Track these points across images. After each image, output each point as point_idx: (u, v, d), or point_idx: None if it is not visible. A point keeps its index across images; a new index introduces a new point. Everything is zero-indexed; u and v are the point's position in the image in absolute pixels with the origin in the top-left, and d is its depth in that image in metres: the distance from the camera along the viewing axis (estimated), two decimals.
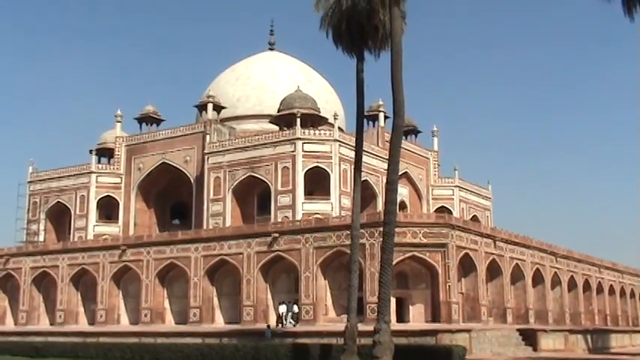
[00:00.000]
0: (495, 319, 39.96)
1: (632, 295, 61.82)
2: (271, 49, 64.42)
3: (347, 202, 45.58)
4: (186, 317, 41.62)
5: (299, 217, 45.00)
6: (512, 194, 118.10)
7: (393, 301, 31.79)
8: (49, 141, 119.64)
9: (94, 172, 55.72)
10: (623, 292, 59.40)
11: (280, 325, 36.94)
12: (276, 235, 38.99)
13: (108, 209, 55.75)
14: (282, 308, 37.84)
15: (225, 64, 63.72)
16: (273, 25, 65.87)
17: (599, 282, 54.44)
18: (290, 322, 37.12)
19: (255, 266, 39.52)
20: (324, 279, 38.00)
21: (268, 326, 33.78)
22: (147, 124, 58.43)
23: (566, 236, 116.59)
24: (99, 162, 57.57)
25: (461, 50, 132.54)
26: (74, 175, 56.41)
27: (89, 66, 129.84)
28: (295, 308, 37.68)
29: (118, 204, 55.42)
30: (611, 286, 56.92)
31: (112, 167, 56.71)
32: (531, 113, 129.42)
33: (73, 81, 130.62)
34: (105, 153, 58.76)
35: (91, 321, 45.81)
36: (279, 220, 45.31)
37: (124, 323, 44.54)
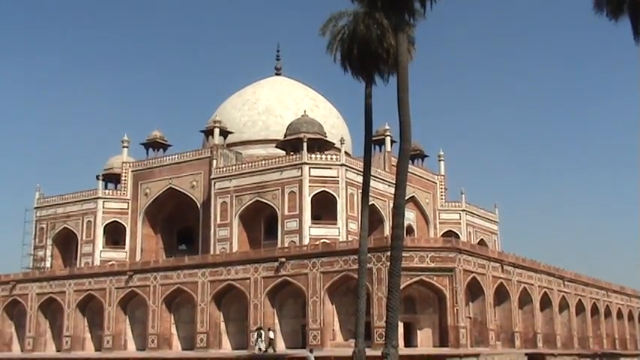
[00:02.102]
0: (503, 344, 39.72)
1: None
2: (278, 74, 64.93)
3: (354, 226, 45.60)
4: (193, 343, 41.47)
5: (306, 241, 45.00)
6: (519, 218, 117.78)
7: (400, 325, 31.70)
8: (56, 166, 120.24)
9: (101, 198, 55.88)
10: (631, 316, 59.00)
11: (259, 350, 36.92)
12: (283, 260, 39.00)
13: (115, 235, 55.84)
14: (271, 334, 37.72)
15: (232, 89, 64.23)
16: (279, 50, 66.53)
17: (607, 305, 54.13)
18: (260, 348, 37.03)
19: (262, 291, 39.45)
20: (332, 304, 37.92)
21: (311, 350, 32.55)
22: (153, 150, 58.73)
23: (573, 260, 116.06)
24: (106, 187, 57.74)
25: (468, 74, 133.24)
26: (81, 200, 56.58)
27: (96, 92, 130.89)
28: (271, 334, 37.77)
29: (125, 229, 55.51)
30: (619, 309, 56.56)
31: (118, 193, 56.89)
32: (538, 137, 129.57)
33: (79, 107, 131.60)
34: (112, 178, 58.97)
35: (98, 347, 45.65)
36: (286, 244, 45.32)
37: (131, 349, 44.37)
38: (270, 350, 36.59)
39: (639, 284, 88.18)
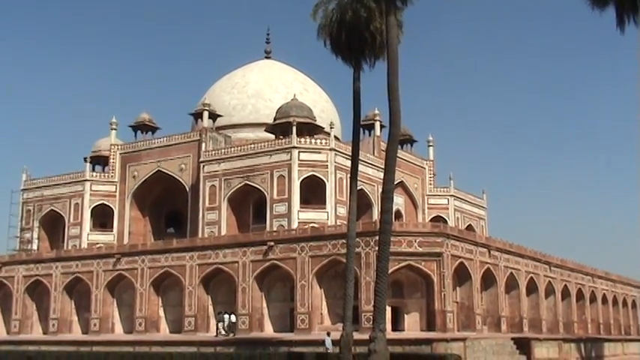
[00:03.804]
0: (490, 328, 40.04)
1: (625, 303, 62.00)
2: (267, 58, 64.61)
3: (343, 211, 45.64)
4: (181, 326, 41.52)
5: (295, 225, 45.04)
6: (506, 203, 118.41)
7: (388, 309, 31.79)
8: (44, 148, 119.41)
9: (89, 180, 55.56)
10: (615, 301, 59.58)
11: (218, 334, 37.18)
12: (272, 243, 39.02)
13: (102, 217, 55.59)
14: (233, 317, 38.03)
15: (222, 72, 63.91)
16: (269, 33, 66.21)
17: (593, 291, 54.62)
18: (222, 333, 37.12)
19: (251, 275, 39.50)
20: (320, 288, 38.03)
21: (328, 333, 30.84)
22: (142, 132, 58.40)
23: (560, 245, 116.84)
24: (93, 170, 57.42)
25: (457, 60, 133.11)
26: (68, 182, 56.23)
27: (84, 73, 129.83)
28: (233, 318, 37.84)
29: (113, 212, 55.28)
30: (604, 295, 57.10)
31: (106, 175, 56.58)
32: (526, 123, 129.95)
33: (67, 88, 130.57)
34: (99, 161, 58.61)
35: (85, 330, 45.62)
36: (275, 228, 45.33)
37: (118, 332, 44.37)
38: (231, 335, 36.89)
39: (626, 270, 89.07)
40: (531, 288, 44.77)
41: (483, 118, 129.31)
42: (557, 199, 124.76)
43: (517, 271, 43.09)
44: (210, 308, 41.38)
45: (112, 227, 54.96)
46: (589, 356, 39.48)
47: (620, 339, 51.65)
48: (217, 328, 38.18)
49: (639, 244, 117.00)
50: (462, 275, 38.21)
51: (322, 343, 30.41)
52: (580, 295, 52.21)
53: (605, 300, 57.16)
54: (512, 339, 35.58)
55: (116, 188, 55.71)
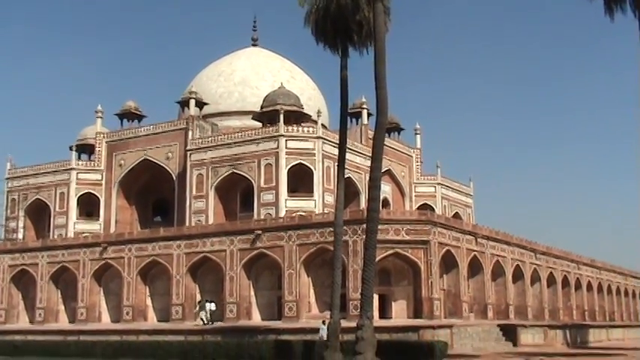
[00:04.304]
0: (476, 315, 40.29)
1: (610, 290, 62.59)
2: (254, 45, 64.31)
3: (330, 199, 45.66)
4: (168, 315, 41.47)
5: (282, 214, 45.03)
6: (493, 191, 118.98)
7: (375, 297, 31.87)
8: (28, 137, 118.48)
9: (74, 169, 55.22)
10: (600, 288, 60.13)
11: (202, 322, 37.29)
12: (259, 232, 39.00)
13: (88, 206, 55.30)
14: (213, 306, 38.19)
15: (208, 60, 63.55)
16: (256, 20, 65.88)
17: (578, 278, 55.07)
18: (202, 320, 37.43)
19: (238, 263, 39.49)
20: (307, 276, 38.08)
21: (324, 322, 29.35)
22: (128, 120, 58.01)
23: (546, 233, 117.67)
24: (79, 158, 57.00)
25: (444, 47, 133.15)
26: (54, 171, 55.87)
27: (69, 61, 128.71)
28: (213, 307, 38.00)
29: (99, 201, 55.01)
30: (589, 282, 57.60)
31: (92, 164, 56.23)
32: (512, 111, 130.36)
33: (52, 76, 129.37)
34: (85, 149, 58.20)
35: (72, 319, 45.47)
36: (262, 217, 45.32)
37: (106, 321, 44.28)
38: (210, 323, 37.14)
39: (612, 257, 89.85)
40: (517, 275, 45.06)
41: (471, 106, 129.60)
42: (544, 187, 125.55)
43: (503, 259, 43.35)
44: (198, 297, 41.36)
45: (99, 216, 54.72)
46: (574, 342, 39.83)
47: (605, 325, 52.16)
48: (198, 316, 38.21)
49: (627, 231, 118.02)
50: (448, 263, 38.38)
51: (310, 331, 30.47)
52: (565, 282, 52.64)
53: (590, 287, 57.67)
54: (499, 325, 35.82)
55: (102, 177, 55.43)
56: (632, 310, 68.25)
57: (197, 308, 38.85)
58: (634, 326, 57.43)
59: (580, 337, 41.47)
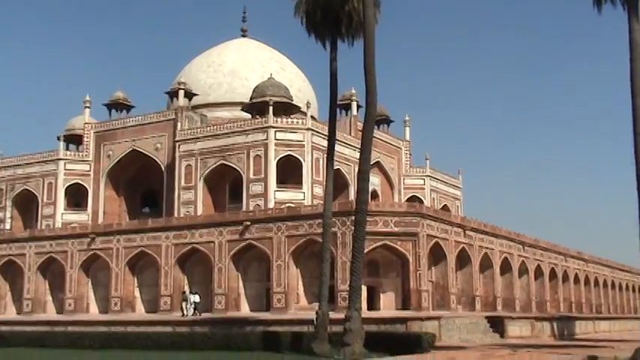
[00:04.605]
0: (464, 307, 40.47)
1: (597, 283, 63.03)
2: (244, 36, 64.11)
3: (319, 190, 45.66)
4: (156, 306, 41.39)
5: (271, 205, 45.00)
6: (482, 184, 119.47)
7: (364, 289, 31.97)
8: (16, 127, 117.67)
9: (62, 159, 54.96)
10: (587, 281, 60.53)
11: (185, 313, 37.35)
12: (248, 223, 38.95)
13: (76, 197, 55.07)
14: (197, 297, 38.17)
15: (197, 50, 63.38)
16: (245, 11, 65.63)
17: (565, 270, 55.41)
18: (187, 312, 37.47)
19: (227, 255, 39.44)
20: (296, 267, 38.10)
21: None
22: (116, 111, 57.74)
23: (533, 225, 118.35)
24: (67, 149, 56.76)
25: (433, 39, 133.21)
26: (41, 161, 55.60)
27: (58, 50, 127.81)
28: (197, 298, 38.08)
29: (87, 191, 54.80)
30: (577, 274, 57.96)
31: (80, 154, 55.97)
32: (501, 104, 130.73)
33: (41, 65, 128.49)
34: (73, 139, 57.93)
35: (60, 310, 45.29)
36: (251, 208, 45.30)
37: (93, 312, 44.15)
38: (197, 314, 37.13)
39: (599, 250, 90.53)
40: (505, 267, 45.27)
41: (460, 98, 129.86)
42: (532, 180, 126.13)
43: (491, 251, 43.54)
44: (186, 288, 41.30)
45: (87, 207, 54.52)
46: (561, 334, 40.03)
47: (592, 317, 52.45)
48: (182, 308, 38.18)
49: (614, 224, 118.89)
50: (437, 255, 38.49)
51: (299, 322, 30.50)
52: (553, 275, 52.94)
53: (577, 279, 58.03)
54: (486, 318, 35.91)
55: (90, 167, 55.20)
56: (618, 302, 68.80)
57: (182, 301, 38.78)
58: (620, 318, 57.84)
59: (567, 329, 41.68)
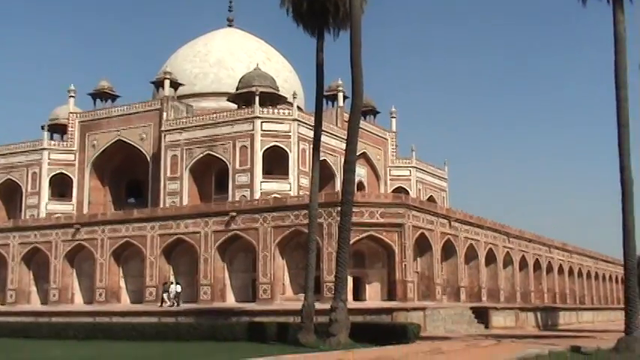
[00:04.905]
0: (449, 298, 40.67)
1: (580, 274, 63.54)
2: (230, 26, 63.77)
3: (305, 181, 45.62)
4: (142, 296, 41.25)
5: (257, 196, 44.93)
6: (468, 175, 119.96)
7: (349, 279, 32.06)
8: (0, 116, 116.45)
9: (47, 149, 54.55)
10: (571, 272, 60.99)
11: (166, 304, 37.37)
12: (234, 214, 38.86)
13: (61, 187, 54.70)
14: (179, 287, 38.30)
15: (183, 40, 62.99)
16: (231, 1, 65.25)
17: (549, 261, 55.77)
18: (166, 302, 37.47)
19: (213, 245, 39.35)
20: (282, 258, 38.09)
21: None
22: (101, 100, 57.34)
23: (518, 217, 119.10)
24: (51, 138, 56.33)
25: (419, 29, 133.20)
26: (25, 151, 55.12)
27: (42, 39, 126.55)
28: (179, 288, 38.12)
29: (72, 181, 54.45)
30: (560, 265, 58.38)
31: (65, 144, 55.56)
32: (488, 95, 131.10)
33: (25, 55, 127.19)
34: (58, 129, 57.49)
35: (44, 301, 45.02)
36: (237, 199, 45.20)
37: (78, 303, 43.93)
38: (175, 304, 37.13)
39: (583, 241, 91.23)
40: (490, 258, 45.49)
41: (446, 90, 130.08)
42: (518, 171, 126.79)
43: (476, 242, 43.73)
44: (172, 278, 41.20)
45: (71, 197, 54.19)
46: (545, 325, 40.41)
47: (575, 308, 52.97)
48: (162, 299, 38.12)
49: (598, 215, 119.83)
50: (422, 246, 38.61)
51: (284, 313, 30.57)
52: (537, 266, 53.27)
53: (561, 270, 58.46)
54: (471, 308, 36.17)
55: (75, 157, 54.82)
56: (601, 293, 69.42)
57: (162, 291, 38.69)
58: (603, 309, 58.41)
59: (551, 319, 42.08)
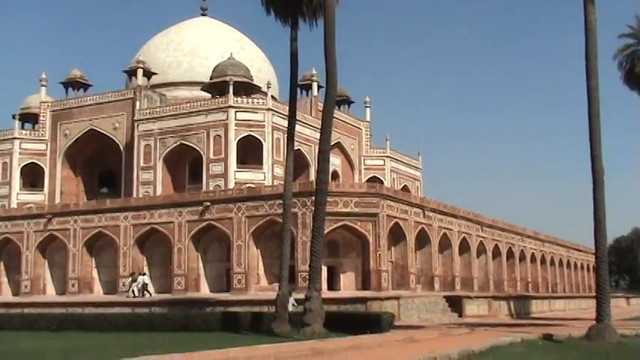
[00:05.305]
0: (423, 287, 40.97)
1: (553, 262, 64.40)
2: (204, 15, 63.25)
3: (280, 171, 45.52)
4: (115, 287, 40.96)
5: (231, 186, 44.78)
6: (441, 165, 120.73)
7: (324, 269, 32.17)
8: None
9: (18, 138, 53.78)
10: (543, 260, 61.80)
11: (132, 295, 37.28)
12: (208, 203, 38.69)
13: (32, 177, 53.99)
14: (147, 279, 38.46)
15: (156, 29, 62.37)
16: None
17: (522, 250, 56.44)
18: (132, 293, 37.42)
19: (187, 235, 39.17)
20: (256, 248, 38.05)
21: (290, 293, 26.41)
22: (73, 89, 56.57)
23: (491, 206, 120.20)
24: (22, 128, 55.50)
25: (393, 19, 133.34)
26: None
27: (13, 27, 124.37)
28: (147, 279, 38.17)
29: (43, 171, 53.76)
30: (533, 254, 59.11)
31: (36, 133, 54.81)
32: (463, 84, 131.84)
33: None
34: (29, 118, 56.68)
35: (15, 292, 44.53)
36: (211, 188, 45.01)
37: (50, 293, 43.52)
38: (147, 295, 37.14)
39: (556, 230, 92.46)
40: (464, 247, 45.92)
41: (419, 78, 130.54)
42: (491, 161, 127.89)
43: (450, 231, 44.08)
44: (146, 269, 40.95)
45: (43, 187, 53.54)
46: (517, 313, 40.88)
47: (547, 296, 53.65)
48: (129, 289, 37.88)
49: (570, 204, 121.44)
50: (396, 235, 38.81)
51: (258, 303, 30.54)
52: (510, 255, 53.90)
53: (533, 259, 59.20)
54: (445, 297, 36.46)
55: (47, 147, 54.11)
56: (573, 281, 70.45)
57: (129, 282, 38.44)
58: (575, 297, 59.29)
59: (523, 308, 42.58)
